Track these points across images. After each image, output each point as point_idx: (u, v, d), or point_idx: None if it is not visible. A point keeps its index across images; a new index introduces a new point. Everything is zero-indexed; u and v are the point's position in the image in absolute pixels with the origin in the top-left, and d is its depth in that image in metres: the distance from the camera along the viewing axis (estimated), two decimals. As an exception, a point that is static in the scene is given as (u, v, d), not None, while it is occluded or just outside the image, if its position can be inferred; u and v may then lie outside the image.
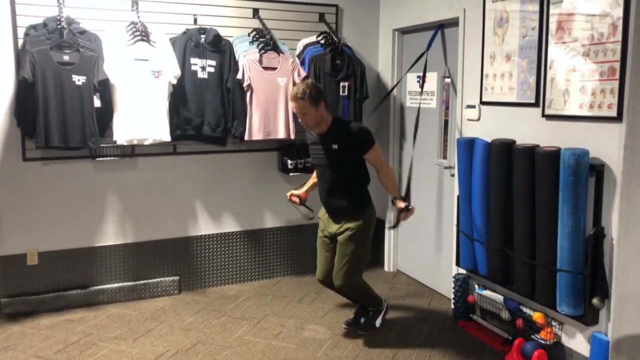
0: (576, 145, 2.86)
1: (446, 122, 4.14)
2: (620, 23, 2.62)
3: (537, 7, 3.06)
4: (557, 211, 2.83)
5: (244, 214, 4.47)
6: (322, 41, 4.35)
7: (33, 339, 3.44)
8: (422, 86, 4.21)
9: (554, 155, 2.82)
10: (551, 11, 2.98)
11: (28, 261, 3.83)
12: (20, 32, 3.62)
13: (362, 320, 3.62)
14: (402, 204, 3.29)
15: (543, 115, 3.08)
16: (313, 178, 3.65)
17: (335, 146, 3.27)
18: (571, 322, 2.97)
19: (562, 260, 2.81)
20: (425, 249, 4.45)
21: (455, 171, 3.77)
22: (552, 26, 2.98)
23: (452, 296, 3.83)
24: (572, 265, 2.78)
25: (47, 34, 3.57)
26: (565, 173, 2.74)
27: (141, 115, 3.74)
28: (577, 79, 2.86)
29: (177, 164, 4.20)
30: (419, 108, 4.20)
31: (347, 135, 3.27)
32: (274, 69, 4.13)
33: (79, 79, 3.58)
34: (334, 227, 3.40)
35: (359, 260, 3.37)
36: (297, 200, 3.59)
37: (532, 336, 3.14)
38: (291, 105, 3.35)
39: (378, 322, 3.59)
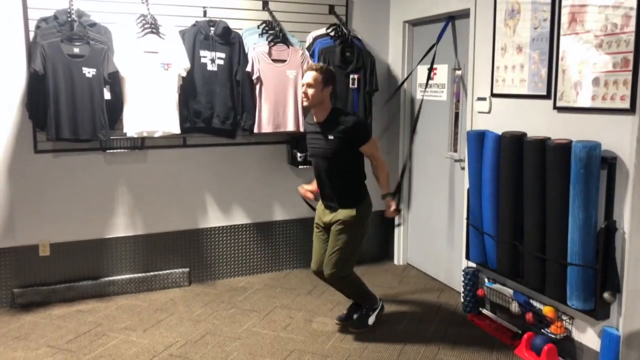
0: (588, 137, 2.83)
1: (457, 114, 4.10)
2: (633, 13, 2.57)
3: (549, -2, 3.02)
4: (568, 204, 2.79)
5: (254, 206, 4.48)
6: (332, 33, 4.32)
7: (45, 329, 3.48)
8: (428, 79, 4.17)
9: (565, 148, 2.78)
10: (563, 2, 2.93)
11: (40, 252, 3.87)
12: (32, 25, 3.64)
13: (355, 316, 3.56)
14: (392, 204, 3.36)
15: (554, 107, 3.04)
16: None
17: (331, 136, 3.27)
18: (582, 316, 2.95)
19: (573, 254, 2.79)
20: (435, 242, 4.43)
21: (466, 164, 3.74)
22: (564, 17, 2.93)
23: (462, 290, 3.81)
24: (583, 259, 2.76)
25: (58, 26, 3.58)
26: (577, 166, 2.70)
27: (151, 108, 3.75)
28: (590, 71, 2.82)
29: (186, 156, 4.21)
30: (422, 100, 4.19)
31: (344, 126, 3.26)
32: (284, 61, 4.12)
33: (89, 72, 3.60)
34: (328, 217, 3.41)
35: (349, 251, 3.35)
36: (311, 196, 3.58)
37: (542, 330, 3.12)
38: (304, 75, 3.34)
39: (371, 320, 3.52)
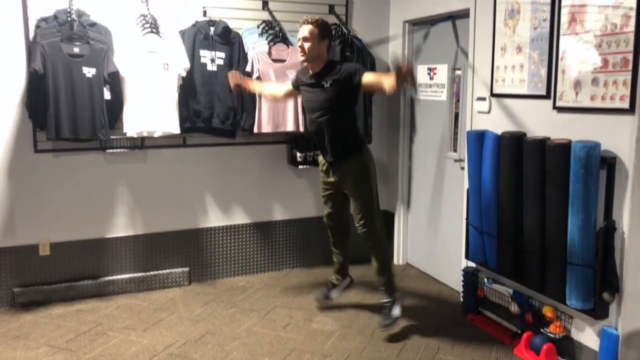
0: (587, 137, 2.83)
1: (457, 114, 4.11)
2: (633, 13, 2.57)
3: (549, -2, 3.03)
4: (568, 204, 2.80)
5: (254, 206, 4.48)
6: (332, 33, 4.32)
7: (45, 328, 3.48)
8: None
9: (565, 148, 2.79)
10: (563, 2, 2.93)
11: (40, 252, 3.87)
12: (31, 24, 3.64)
13: (380, 317, 3.50)
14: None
15: (554, 107, 3.05)
16: (269, 88, 3.77)
17: (327, 84, 3.29)
18: (581, 316, 2.95)
19: (573, 254, 2.79)
20: (435, 242, 4.43)
21: (465, 164, 3.75)
22: (564, 17, 2.93)
23: (461, 289, 3.82)
24: (583, 259, 2.76)
25: (58, 26, 3.58)
26: (576, 166, 2.71)
27: (151, 108, 3.75)
28: (589, 71, 2.82)
29: (186, 156, 4.21)
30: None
31: (340, 70, 3.28)
32: (283, 60, 4.12)
33: (89, 71, 3.60)
34: (332, 178, 3.50)
35: (370, 201, 3.44)
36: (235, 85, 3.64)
37: (541, 330, 3.12)
38: (300, 29, 3.34)
39: (396, 311, 3.49)
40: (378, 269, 3.56)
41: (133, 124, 3.73)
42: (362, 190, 3.44)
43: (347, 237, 3.85)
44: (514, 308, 3.32)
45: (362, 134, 4.34)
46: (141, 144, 4.04)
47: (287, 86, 3.71)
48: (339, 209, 3.72)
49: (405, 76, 2.91)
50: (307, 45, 3.26)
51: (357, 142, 3.49)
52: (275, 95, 3.80)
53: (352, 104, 3.44)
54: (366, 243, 3.52)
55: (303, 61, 3.40)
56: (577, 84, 2.88)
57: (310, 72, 3.40)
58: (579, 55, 2.88)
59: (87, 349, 3.21)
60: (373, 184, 3.50)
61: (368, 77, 3.23)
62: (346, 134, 3.43)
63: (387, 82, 3.04)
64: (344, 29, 4.37)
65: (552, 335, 3.05)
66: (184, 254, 4.28)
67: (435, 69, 4.27)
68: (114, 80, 3.70)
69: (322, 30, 3.27)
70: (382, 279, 3.57)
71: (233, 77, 3.69)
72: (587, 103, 2.84)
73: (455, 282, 4.14)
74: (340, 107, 3.35)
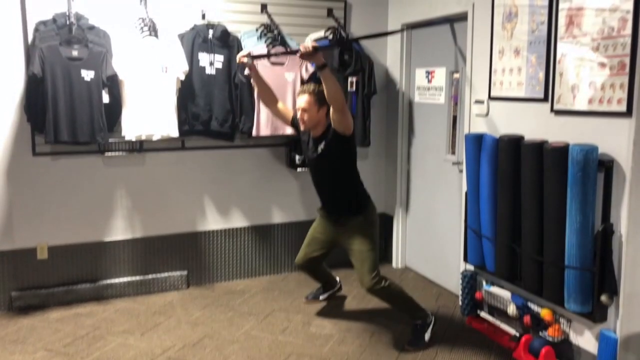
0: (585, 140, 2.83)
1: (455, 117, 4.11)
2: (630, 17, 2.58)
3: (546, 2, 3.03)
4: (566, 207, 2.80)
5: (252, 209, 4.48)
6: (330, 36, 4.33)
7: (42, 332, 3.47)
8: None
9: (563, 151, 2.79)
10: (560, 5, 2.94)
11: (38, 255, 3.87)
12: (30, 28, 3.64)
13: (410, 336, 3.42)
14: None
15: (552, 110, 3.05)
16: (269, 89, 3.54)
17: (321, 147, 3.28)
18: (579, 319, 2.95)
19: (571, 257, 2.79)
20: (433, 245, 4.43)
21: (464, 167, 3.75)
22: (562, 20, 2.94)
23: (460, 293, 3.81)
24: (581, 262, 2.76)
25: (57, 29, 3.59)
26: (574, 169, 2.71)
27: (149, 111, 3.75)
28: (587, 74, 2.83)
29: (185, 159, 4.21)
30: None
31: (329, 131, 3.26)
32: (282, 64, 4.13)
33: (87, 74, 3.60)
34: (338, 233, 3.46)
35: (374, 256, 3.38)
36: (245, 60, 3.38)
37: (540, 333, 3.12)
38: (297, 100, 3.33)
39: (427, 336, 3.39)
40: (399, 311, 3.54)
41: (132, 127, 3.73)
42: (368, 244, 3.36)
43: (320, 269, 3.86)
44: (513, 311, 3.31)
45: (361, 137, 4.36)
46: (140, 147, 4.04)
47: (287, 111, 3.60)
48: (317, 261, 3.69)
49: (310, 53, 2.96)
50: (306, 116, 3.25)
51: (361, 201, 3.42)
52: (271, 99, 3.57)
53: (350, 161, 3.37)
54: (376, 296, 3.42)
55: (304, 130, 3.36)
56: (575, 87, 2.89)
57: (312, 135, 3.36)
58: (576, 59, 2.89)
59: (85, 353, 3.21)
60: (377, 239, 3.47)
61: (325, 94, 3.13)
62: (349, 195, 3.39)
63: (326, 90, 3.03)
64: (342, 33, 4.37)
65: (550, 339, 3.04)
66: (183, 257, 4.28)
67: (434, 72, 4.28)
68: (113, 84, 3.69)
69: (319, 98, 3.20)
70: (406, 316, 3.51)
71: (243, 56, 3.43)
72: (584, 106, 2.84)
73: (453, 285, 4.14)
74: (338, 170, 3.33)
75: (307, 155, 3.47)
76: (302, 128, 3.37)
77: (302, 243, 4.56)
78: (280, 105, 3.58)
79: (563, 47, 2.96)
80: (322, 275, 3.95)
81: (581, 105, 2.86)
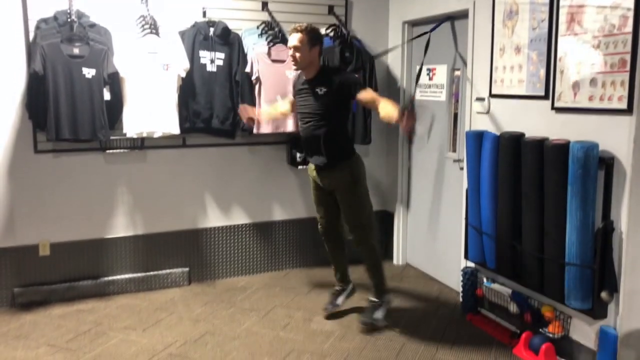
0: (586, 138, 2.84)
1: (456, 115, 4.12)
2: (630, 14, 2.58)
3: (547, -1, 3.03)
4: (566, 205, 2.81)
5: (253, 206, 4.49)
6: (331, 34, 4.33)
7: (45, 328, 3.49)
8: (418, 77, 4.15)
9: (563, 148, 2.79)
10: (561, 3, 2.94)
11: (40, 252, 3.88)
12: (32, 26, 3.65)
13: (363, 314, 3.57)
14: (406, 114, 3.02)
15: (553, 107, 3.05)
16: (278, 108, 3.79)
17: (321, 91, 3.29)
18: (579, 315, 2.96)
19: (571, 254, 2.80)
20: (434, 242, 4.44)
21: (465, 164, 3.75)
22: (563, 18, 2.94)
23: (461, 289, 3.82)
24: (581, 259, 2.77)
25: (58, 27, 3.60)
26: (574, 166, 2.72)
27: (150, 108, 3.76)
28: (588, 71, 2.83)
29: (186, 156, 4.22)
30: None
31: (335, 80, 3.29)
32: (283, 61, 4.13)
33: (89, 72, 3.61)
34: (324, 181, 3.50)
35: (362, 208, 3.46)
36: (249, 115, 3.66)
37: (540, 329, 3.13)
38: (289, 38, 3.35)
39: (380, 314, 3.55)
40: (368, 271, 3.63)
41: (133, 124, 3.74)
42: (351, 198, 3.44)
43: (342, 247, 3.81)
44: (513, 308, 3.32)
45: (362, 135, 4.37)
46: (141, 144, 4.05)
47: (290, 98, 3.73)
48: (332, 215, 3.67)
49: (405, 128, 3.03)
50: (297, 54, 3.27)
51: (348, 149, 3.49)
52: (285, 112, 3.82)
53: (345, 112, 3.45)
54: (357, 248, 3.54)
55: (296, 69, 3.42)
56: (576, 85, 2.89)
57: (304, 77, 3.42)
58: (577, 56, 2.89)
59: (87, 349, 3.22)
60: (363, 191, 3.48)
61: (365, 96, 3.28)
62: (337, 141, 3.43)
63: (385, 111, 3.10)
64: (343, 30, 4.38)
65: (551, 335, 3.05)
66: (184, 254, 4.29)
67: (435, 69, 4.28)
68: (114, 81, 3.71)
69: (312, 37, 3.25)
70: (372, 281, 3.63)
71: (244, 112, 3.68)
72: (585, 103, 2.85)
73: (454, 282, 4.15)
74: (332, 115, 3.37)
75: (300, 100, 3.47)
76: (293, 67, 3.41)
77: (303, 240, 4.65)
78: (291, 105, 3.73)
79: (564, 45, 2.96)
80: (339, 257, 3.82)
81: (582, 102, 2.87)
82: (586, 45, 2.83)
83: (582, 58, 2.86)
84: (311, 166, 3.60)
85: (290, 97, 3.74)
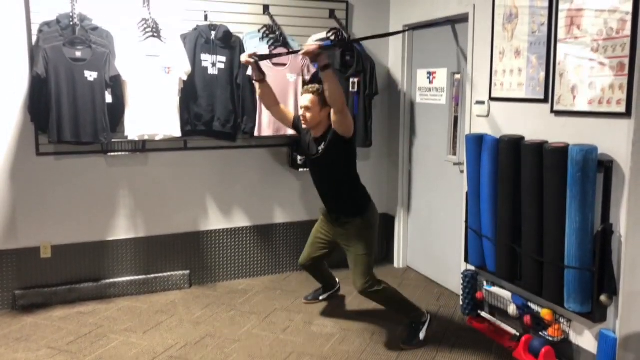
0: (585, 141, 2.85)
1: (456, 118, 4.13)
2: (629, 18, 2.59)
3: (546, 3, 3.04)
4: (565, 207, 2.81)
5: (254, 209, 4.50)
6: (332, 37, 4.35)
7: (46, 330, 3.50)
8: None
9: (562, 151, 2.80)
10: (561, 6, 2.95)
11: (42, 254, 3.90)
12: (34, 29, 3.68)
13: (405, 334, 3.46)
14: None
15: (552, 111, 3.06)
16: (271, 92, 3.53)
17: (320, 149, 3.31)
18: (579, 319, 2.96)
19: (570, 257, 2.80)
20: (434, 245, 4.44)
21: (464, 167, 3.76)
22: (562, 21, 2.95)
23: (461, 293, 3.82)
24: (580, 262, 2.77)
25: (60, 30, 3.61)
26: (574, 169, 2.72)
27: (152, 111, 3.78)
28: (587, 75, 2.84)
29: (187, 159, 4.24)
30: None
31: (329, 133, 3.28)
32: (284, 65, 4.15)
33: (91, 75, 3.63)
34: (338, 234, 3.48)
35: (369, 258, 3.38)
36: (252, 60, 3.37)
37: (540, 333, 3.13)
38: (300, 98, 3.36)
39: (422, 335, 3.41)
40: (394, 313, 3.58)
41: (135, 127, 3.76)
42: (359, 249, 3.36)
43: (323, 270, 3.94)
44: (513, 311, 3.32)
45: (362, 138, 4.38)
46: (142, 147, 4.07)
47: (288, 113, 3.64)
48: (319, 255, 3.72)
49: (314, 54, 2.98)
50: (308, 115, 3.28)
51: (361, 202, 3.43)
52: (272, 101, 3.56)
53: (349, 163, 3.39)
54: (368, 297, 3.43)
55: (306, 128, 3.39)
56: (575, 88, 2.90)
57: (312, 135, 3.40)
58: (576, 59, 2.90)
59: (88, 351, 3.23)
60: (371, 241, 3.44)
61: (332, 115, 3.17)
62: (348, 196, 3.41)
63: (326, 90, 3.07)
64: (344, 34, 4.39)
65: (550, 339, 3.05)
66: (185, 256, 4.30)
67: (435, 73, 4.29)
68: (116, 84, 3.72)
69: (323, 99, 3.22)
70: (402, 317, 3.55)
71: (250, 55, 3.43)
72: (584, 107, 2.86)
73: (454, 285, 4.15)
74: (337, 171, 3.35)
75: (307, 155, 3.50)
76: (303, 126, 3.39)
77: (303, 243, 4.60)
78: (281, 107, 3.60)
79: (563, 48, 2.97)
80: (323, 276, 3.99)
81: (581, 106, 2.88)
82: (585, 48, 2.84)
83: (581, 61, 2.87)
84: (324, 207, 3.59)
85: (290, 115, 3.61)
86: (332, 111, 3.17)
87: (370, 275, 3.36)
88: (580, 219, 2.74)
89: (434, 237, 4.44)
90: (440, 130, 4.27)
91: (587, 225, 2.75)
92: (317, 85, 3.31)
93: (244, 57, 3.40)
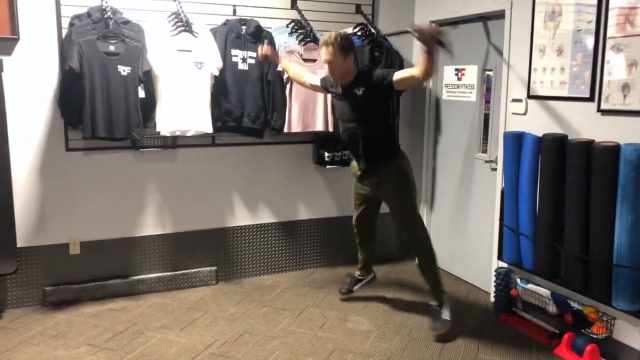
0: (635, 140, 2.84)
1: (486, 115, 4.12)
2: (686, 18, 2.60)
3: (594, 1, 3.03)
4: (615, 207, 2.82)
5: (280, 205, 4.47)
6: (359, 33, 4.32)
7: (81, 327, 3.46)
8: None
9: (614, 150, 2.81)
10: (611, 4, 2.93)
11: (70, 250, 3.85)
12: (65, 22, 3.61)
13: (432, 321, 3.51)
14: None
15: (599, 109, 3.06)
16: (296, 69, 3.82)
17: (359, 91, 3.27)
18: (624, 316, 2.97)
19: (620, 256, 2.81)
20: (461, 243, 4.44)
21: (499, 165, 3.76)
22: (612, 20, 2.94)
23: (493, 290, 3.83)
24: (631, 261, 2.78)
25: (92, 24, 3.55)
26: (626, 169, 2.73)
27: (184, 107, 3.73)
28: (639, 73, 2.82)
29: (215, 155, 4.20)
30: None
31: (372, 77, 3.27)
32: (314, 60, 4.12)
33: (124, 70, 3.57)
34: (366, 185, 3.56)
35: (411, 205, 3.45)
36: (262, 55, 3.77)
37: (583, 330, 3.14)
38: (321, 52, 3.34)
39: (447, 315, 3.47)
40: (422, 272, 3.62)
41: (167, 123, 3.71)
42: (400, 196, 3.43)
43: (373, 238, 3.93)
44: (552, 308, 3.34)
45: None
46: (172, 142, 4.02)
47: (315, 80, 3.71)
48: (369, 215, 3.80)
49: (431, 40, 2.76)
50: (333, 67, 3.26)
51: (393, 148, 3.47)
52: (299, 80, 3.81)
53: (386, 110, 3.42)
54: (408, 247, 3.52)
55: (334, 81, 3.39)
56: (626, 87, 2.90)
57: (342, 84, 3.38)
58: (628, 58, 2.88)
59: (128, 349, 3.20)
60: (412, 188, 3.47)
61: (399, 74, 3.20)
62: (381, 141, 3.42)
63: (418, 67, 3.02)
64: (372, 29, 4.37)
65: (594, 336, 3.07)
66: (212, 252, 4.27)
67: (464, 69, 4.28)
68: (148, 79, 3.67)
69: (343, 46, 3.21)
70: (427, 283, 3.60)
71: (265, 49, 3.76)
72: (636, 106, 2.85)
73: (483, 282, 4.16)
74: (374, 115, 3.35)
75: (339, 104, 3.48)
76: (333, 80, 3.40)
77: (329, 239, 4.65)
78: (310, 83, 3.74)
79: (613, 46, 2.95)
80: (366, 250, 3.94)
81: (632, 104, 2.87)
82: (638, 46, 2.82)
83: (633, 60, 2.85)
84: (354, 165, 3.61)
85: (317, 80, 3.67)
86: (409, 71, 3.13)
87: (408, 225, 3.47)
88: (632, 218, 2.74)
89: (460, 234, 4.44)
90: (468, 127, 4.26)
91: (638, 225, 2.75)
92: (333, 34, 3.24)
93: (262, 51, 3.71)
